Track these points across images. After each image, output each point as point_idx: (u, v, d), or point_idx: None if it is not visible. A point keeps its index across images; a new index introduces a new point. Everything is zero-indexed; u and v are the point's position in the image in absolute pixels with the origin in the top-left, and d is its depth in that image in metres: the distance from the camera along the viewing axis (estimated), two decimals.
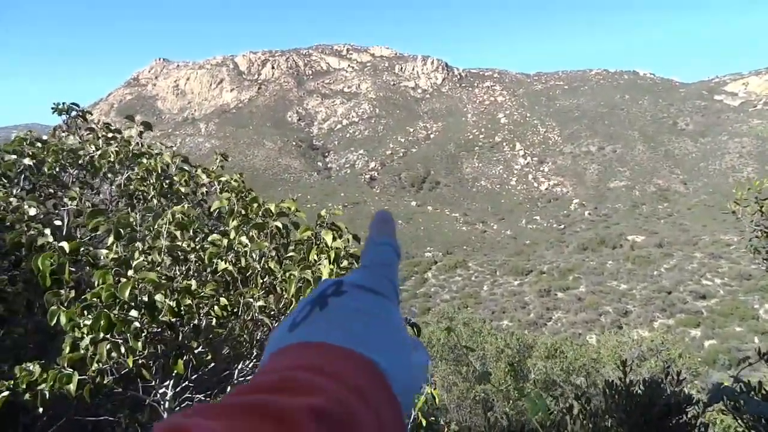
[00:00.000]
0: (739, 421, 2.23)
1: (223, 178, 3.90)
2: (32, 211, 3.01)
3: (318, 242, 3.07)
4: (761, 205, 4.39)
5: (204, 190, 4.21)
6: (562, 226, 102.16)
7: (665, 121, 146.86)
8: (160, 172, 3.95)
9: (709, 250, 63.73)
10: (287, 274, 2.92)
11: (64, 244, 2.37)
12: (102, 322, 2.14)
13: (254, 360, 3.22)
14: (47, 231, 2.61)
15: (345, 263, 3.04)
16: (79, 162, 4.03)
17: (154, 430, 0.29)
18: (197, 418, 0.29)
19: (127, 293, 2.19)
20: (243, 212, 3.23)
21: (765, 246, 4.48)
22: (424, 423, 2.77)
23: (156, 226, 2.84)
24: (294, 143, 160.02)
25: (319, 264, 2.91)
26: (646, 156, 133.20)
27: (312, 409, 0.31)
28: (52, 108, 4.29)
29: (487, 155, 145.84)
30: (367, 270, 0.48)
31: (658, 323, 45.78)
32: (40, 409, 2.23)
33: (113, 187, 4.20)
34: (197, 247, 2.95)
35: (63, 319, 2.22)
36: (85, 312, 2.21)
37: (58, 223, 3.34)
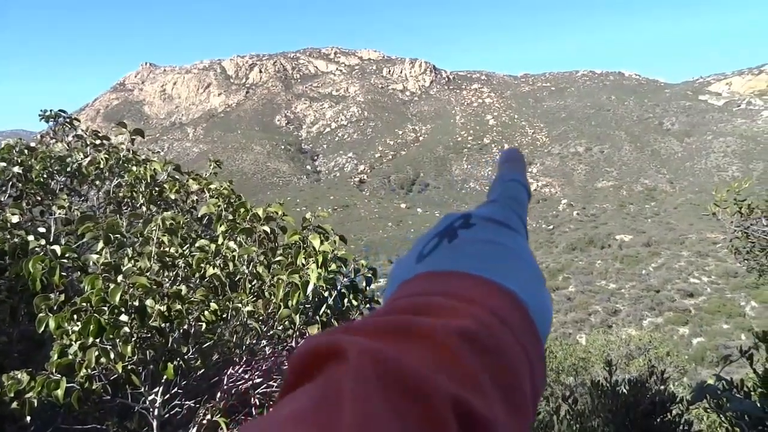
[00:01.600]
0: (723, 418, 2.28)
1: (213, 186, 3.90)
2: (15, 219, 3.00)
3: (306, 246, 3.09)
4: (740, 206, 4.47)
5: (194, 198, 4.21)
6: (551, 227, 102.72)
7: (651, 121, 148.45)
8: (149, 180, 3.94)
9: (696, 249, 64.45)
10: (275, 279, 2.93)
11: (56, 248, 2.37)
12: (92, 327, 2.14)
13: (244, 365, 3.22)
14: (31, 237, 2.60)
15: (333, 266, 3.06)
16: (67, 169, 4.02)
17: (305, 343, 0.28)
18: (347, 335, 0.28)
19: (117, 298, 2.19)
20: (231, 217, 3.24)
21: (745, 246, 4.57)
22: None
23: (145, 232, 2.84)
24: (283, 147, 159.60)
25: (307, 268, 2.92)
26: (633, 156, 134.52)
27: (458, 330, 0.30)
28: (40, 115, 4.27)
29: (475, 157, 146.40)
30: (497, 204, 0.45)
31: (647, 322, 46.20)
32: (28, 418, 2.22)
33: (101, 193, 4.18)
34: (186, 253, 2.95)
35: (52, 324, 2.21)
36: (75, 317, 2.21)
37: (42, 230, 3.32)
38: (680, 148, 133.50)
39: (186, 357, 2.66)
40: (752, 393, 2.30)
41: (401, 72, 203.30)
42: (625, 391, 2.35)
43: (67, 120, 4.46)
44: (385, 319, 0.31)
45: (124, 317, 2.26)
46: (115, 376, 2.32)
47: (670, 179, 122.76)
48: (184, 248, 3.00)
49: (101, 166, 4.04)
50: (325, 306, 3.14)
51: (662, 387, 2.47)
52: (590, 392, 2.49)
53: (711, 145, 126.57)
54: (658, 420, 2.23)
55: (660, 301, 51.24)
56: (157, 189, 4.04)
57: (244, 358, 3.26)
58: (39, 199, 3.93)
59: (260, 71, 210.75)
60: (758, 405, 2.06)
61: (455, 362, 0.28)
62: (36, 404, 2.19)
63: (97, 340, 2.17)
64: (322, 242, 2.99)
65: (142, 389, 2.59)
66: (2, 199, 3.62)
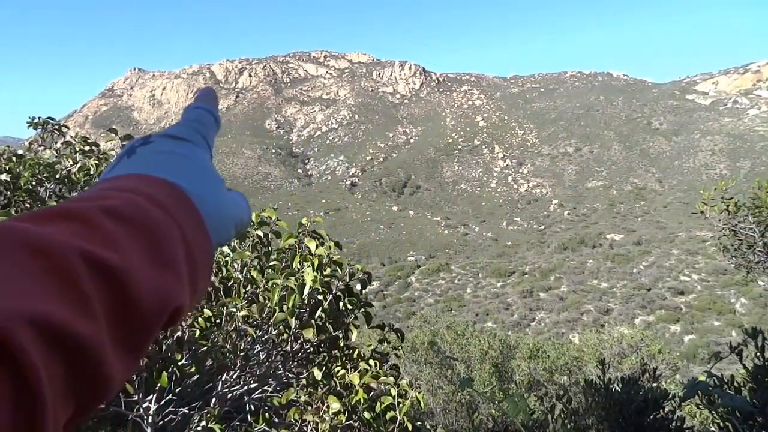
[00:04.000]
0: (714, 414, 2.30)
1: None
2: None
3: (301, 250, 3.09)
4: (727, 204, 4.53)
5: None
6: (543, 227, 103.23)
7: (639, 120, 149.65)
8: None
9: (686, 247, 65.02)
10: (270, 283, 2.93)
11: None
12: None
13: (238, 371, 3.21)
14: None
15: (328, 270, 3.06)
16: (56, 176, 3.99)
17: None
18: (18, 222, 0.31)
19: None
20: None
21: (733, 244, 4.62)
22: (410, 427, 2.79)
23: None
24: (273, 151, 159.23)
25: (302, 271, 2.92)
26: (622, 155, 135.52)
27: (102, 207, 0.34)
28: (28, 122, 4.24)
29: (466, 158, 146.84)
30: (179, 125, 0.51)
31: (638, 320, 46.54)
32: None
33: None
34: None
35: None
36: None
37: None
38: (668, 147, 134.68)
39: (180, 364, 2.65)
40: (742, 389, 2.33)
41: (391, 75, 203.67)
42: (618, 389, 2.37)
43: (56, 127, 4.43)
44: (32, 212, 0.34)
45: None
46: None
47: (659, 178, 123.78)
48: None
49: (91, 173, 4.02)
50: (320, 309, 3.14)
51: (654, 384, 2.50)
52: (584, 391, 2.51)
53: (699, 144, 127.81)
54: (651, 417, 2.26)
55: (651, 299, 51.64)
56: None
57: (239, 364, 3.25)
58: (28, 206, 3.90)
59: (250, 75, 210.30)
60: (748, 400, 2.09)
61: (89, 229, 0.33)
62: None
63: None
64: (317, 246, 2.99)
65: (136, 397, 2.58)
66: None
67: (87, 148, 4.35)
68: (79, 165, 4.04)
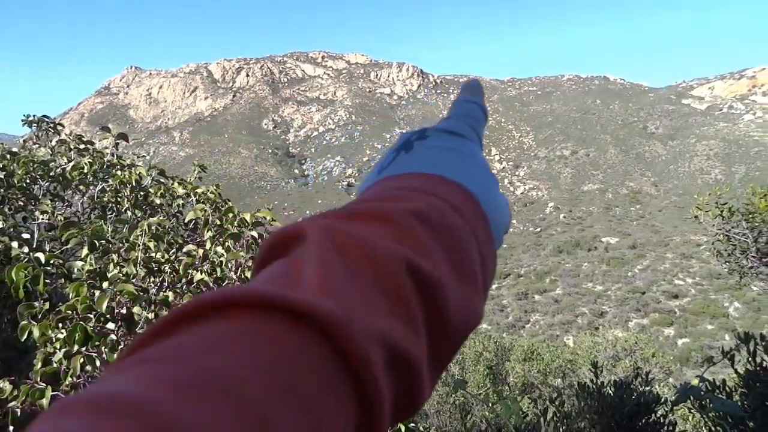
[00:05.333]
0: (706, 418, 2.31)
1: (199, 190, 3.88)
2: None
3: None
4: (721, 209, 4.56)
5: (180, 201, 4.18)
6: (538, 230, 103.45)
7: (636, 124, 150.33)
8: (134, 184, 3.91)
9: (681, 251, 65.30)
10: None
11: (40, 255, 2.35)
12: (78, 335, 2.12)
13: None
14: (15, 244, 2.57)
15: None
16: (51, 174, 3.97)
17: (272, 232, 0.30)
18: (308, 220, 0.31)
19: (104, 305, 2.17)
20: (218, 222, 3.23)
21: (726, 248, 4.64)
22: (403, 429, 2.79)
23: (131, 238, 2.82)
24: (270, 151, 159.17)
25: None
26: (618, 159, 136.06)
27: (411, 210, 0.32)
28: (23, 120, 4.22)
29: None
30: (451, 119, 0.48)
31: (633, 323, 46.68)
32: (11, 429, 2.19)
33: (85, 198, 4.14)
34: (172, 258, 2.94)
35: (36, 333, 2.18)
36: (60, 325, 2.19)
37: (26, 236, 3.28)
38: (664, 152, 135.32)
39: None
40: (734, 393, 2.34)
41: (388, 76, 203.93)
42: (610, 392, 2.38)
43: (51, 125, 4.41)
44: (342, 208, 0.33)
45: (110, 325, 2.24)
46: None
47: (654, 182, 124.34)
48: (171, 253, 2.99)
49: (85, 171, 4.01)
50: None
51: (647, 388, 2.51)
52: (577, 394, 2.51)
53: (694, 149, 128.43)
54: (643, 421, 2.26)
55: (646, 302, 51.84)
56: (142, 194, 4.01)
57: None
58: (21, 204, 3.88)
59: (247, 75, 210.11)
60: (739, 405, 2.10)
61: (407, 235, 0.31)
62: (19, 414, 2.16)
63: (83, 348, 2.15)
64: None
65: None
66: None
67: (82, 146, 4.34)
68: (73, 163, 4.02)
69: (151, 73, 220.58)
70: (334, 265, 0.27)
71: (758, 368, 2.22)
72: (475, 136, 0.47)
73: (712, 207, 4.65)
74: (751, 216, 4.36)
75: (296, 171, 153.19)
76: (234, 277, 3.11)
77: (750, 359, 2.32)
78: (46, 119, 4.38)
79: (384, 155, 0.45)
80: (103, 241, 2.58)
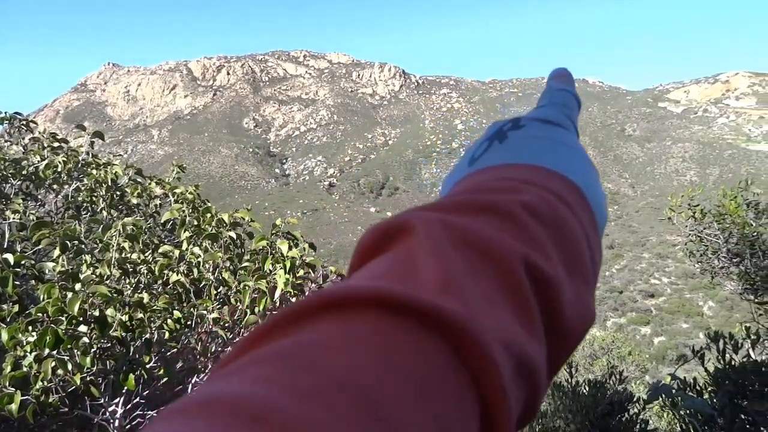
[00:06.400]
0: (677, 416, 2.36)
1: (178, 190, 3.83)
2: None
3: (273, 252, 3.06)
4: (693, 211, 4.68)
5: (158, 202, 4.12)
6: None
7: (614, 127, 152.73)
8: (110, 183, 3.85)
9: (657, 251, 66.47)
10: (242, 285, 2.90)
11: (9, 256, 2.29)
12: (48, 338, 2.08)
13: (209, 373, 3.17)
14: None
15: (301, 272, 3.05)
16: (23, 172, 3.89)
17: (371, 227, 0.28)
18: (412, 213, 0.28)
19: (76, 308, 2.13)
20: (196, 223, 3.19)
21: (699, 249, 4.76)
22: None
23: (105, 238, 2.77)
24: (251, 150, 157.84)
25: (275, 274, 2.90)
26: (597, 160, 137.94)
27: (521, 202, 0.31)
28: None
29: (444, 161, 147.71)
30: (546, 108, 0.45)
31: (610, 322, 47.37)
32: None
33: (59, 198, 4.06)
34: (148, 259, 2.90)
35: (4, 336, 2.14)
36: (30, 328, 2.14)
37: None
38: (641, 153, 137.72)
39: (148, 366, 2.61)
40: (704, 391, 2.40)
41: (370, 76, 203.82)
42: (585, 391, 2.42)
43: (23, 122, 4.32)
44: (446, 200, 0.31)
45: (83, 327, 2.20)
46: (73, 387, 2.26)
47: (631, 183, 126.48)
48: (147, 254, 2.94)
49: (59, 170, 3.93)
50: None
51: (621, 387, 2.55)
52: (552, 393, 2.55)
53: (670, 151, 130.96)
54: (617, 419, 2.31)
55: (623, 301, 52.65)
56: (118, 193, 3.95)
57: (210, 366, 3.21)
58: None
59: (228, 73, 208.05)
60: (708, 403, 2.15)
61: (520, 229, 0.29)
62: None
63: (54, 352, 2.11)
64: (290, 248, 2.97)
65: (102, 400, 2.53)
66: None
67: (56, 144, 4.25)
68: (46, 161, 3.94)
69: (129, 70, 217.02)
70: (451, 261, 0.24)
71: (727, 366, 2.28)
72: (571, 125, 0.44)
73: (685, 208, 4.77)
74: (721, 217, 4.48)
75: (277, 171, 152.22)
76: (211, 278, 3.08)
77: (719, 358, 2.38)
78: (18, 116, 4.28)
79: (474, 145, 0.42)
80: (76, 242, 2.53)
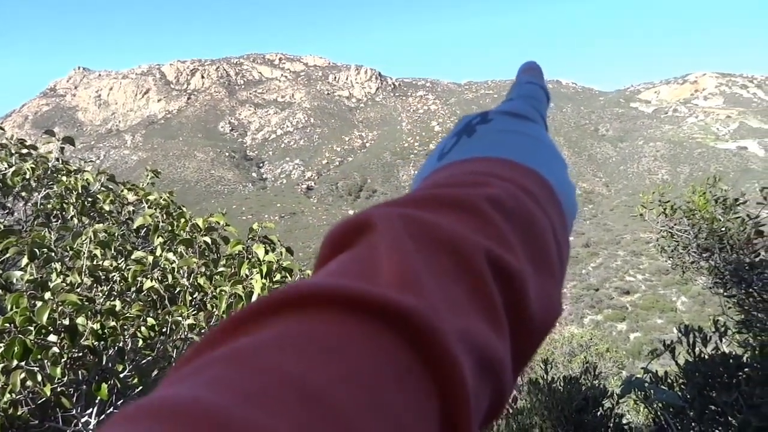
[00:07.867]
0: (649, 409, 2.42)
1: (151, 197, 3.77)
2: None
3: (250, 256, 3.04)
4: (664, 207, 4.80)
5: (130, 208, 4.05)
6: None
7: (587, 127, 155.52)
8: (81, 190, 3.77)
9: (631, 248, 67.76)
10: (218, 290, 2.87)
11: None
12: (16, 349, 2.02)
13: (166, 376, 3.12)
14: None
15: (278, 276, 3.03)
16: None
17: (337, 223, 0.28)
18: (376, 208, 0.29)
19: (45, 317, 2.08)
20: (169, 228, 3.15)
21: (670, 245, 4.88)
22: None
23: (76, 246, 2.71)
24: (227, 154, 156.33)
25: (251, 278, 2.88)
26: (571, 161, 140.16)
27: (486, 196, 0.30)
28: None
29: (422, 163, 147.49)
30: (514, 101, 0.45)
31: (587, 320, 48.14)
32: None
33: (28, 206, 3.97)
34: (121, 266, 2.85)
35: None
36: None
37: None
38: (614, 153, 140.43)
39: (122, 376, 2.56)
40: (675, 384, 2.46)
41: (347, 78, 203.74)
42: (560, 387, 2.46)
43: None
44: (411, 195, 0.31)
45: (52, 337, 2.15)
46: (44, 399, 2.21)
47: (606, 182, 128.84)
48: (119, 261, 2.89)
49: (27, 177, 3.84)
50: None
51: (595, 383, 2.60)
52: (528, 390, 2.58)
53: (642, 150, 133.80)
54: (591, 414, 2.35)
55: (599, 299, 53.54)
56: (89, 200, 3.88)
57: None
58: None
59: (202, 77, 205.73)
60: (679, 395, 2.21)
61: (484, 223, 0.29)
62: None
63: (23, 363, 2.06)
64: (267, 252, 2.96)
65: (74, 411, 2.47)
66: None
67: (24, 150, 4.15)
68: (14, 168, 3.84)
69: (100, 74, 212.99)
70: (410, 256, 0.24)
71: (697, 359, 2.34)
72: (540, 118, 0.44)
73: (656, 205, 4.89)
74: (691, 213, 4.60)
75: (254, 174, 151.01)
76: (186, 283, 3.04)
77: (689, 351, 2.44)
78: None
79: (444, 140, 0.43)
80: (45, 250, 2.47)
